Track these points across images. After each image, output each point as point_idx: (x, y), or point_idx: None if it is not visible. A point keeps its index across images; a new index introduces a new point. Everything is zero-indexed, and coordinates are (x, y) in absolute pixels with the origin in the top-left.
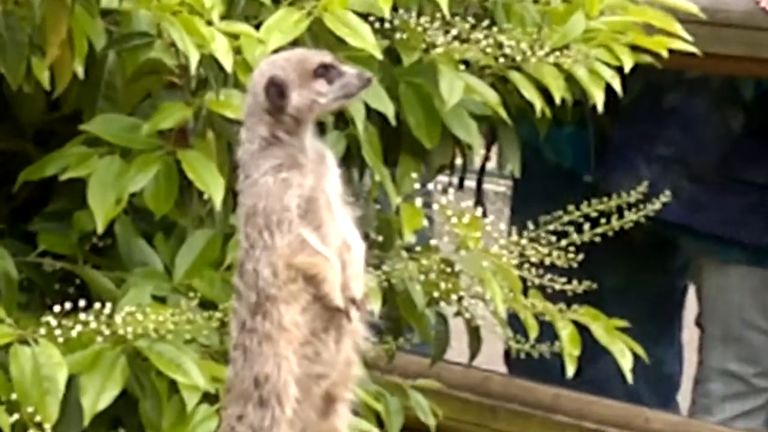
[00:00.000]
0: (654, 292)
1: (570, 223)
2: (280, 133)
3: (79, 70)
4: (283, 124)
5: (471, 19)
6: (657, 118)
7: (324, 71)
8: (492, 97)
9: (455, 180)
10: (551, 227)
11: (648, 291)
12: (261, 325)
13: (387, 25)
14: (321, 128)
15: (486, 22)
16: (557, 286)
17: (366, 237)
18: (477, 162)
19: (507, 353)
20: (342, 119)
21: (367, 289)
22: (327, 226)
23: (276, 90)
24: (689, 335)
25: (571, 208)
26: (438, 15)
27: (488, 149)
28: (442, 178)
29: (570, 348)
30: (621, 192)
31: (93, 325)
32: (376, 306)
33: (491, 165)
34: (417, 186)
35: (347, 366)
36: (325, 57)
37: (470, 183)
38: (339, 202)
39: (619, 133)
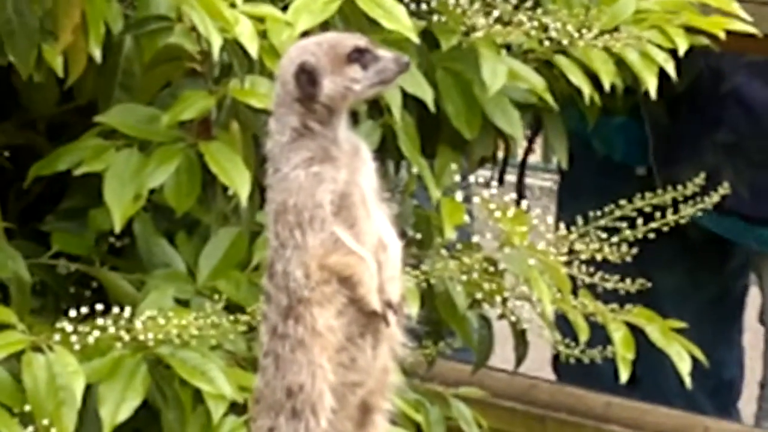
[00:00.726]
0: (712, 292)
1: (622, 218)
2: (312, 123)
3: (96, 54)
4: (315, 113)
5: (513, 1)
6: (718, 104)
7: (358, 56)
8: (537, 82)
9: (496, 174)
10: (602, 223)
11: (706, 291)
12: (293, 330)
13: (423, 7)
14: (354, 118)
15: (530, 3)
16: (609, 285)
17: (403, 235)
18: (520, 155)
19: (555, 359)
20: (376, 108)
21: (404, 291)
22: (362, 223)
23: (307, 77)
24: (751, 338)
25: (623, 202)
26: None
27: (531, 141)
28: (483, 172)
29: (623, 351)
30: (682, 184)
31: (111, 330)
32: (414, 309)
33: (535, 158)
34: (457, 179)
35: (384, 373)
36: (359, 40)
37: (511, 177)
38: (374, 197)
39: (682, 120)
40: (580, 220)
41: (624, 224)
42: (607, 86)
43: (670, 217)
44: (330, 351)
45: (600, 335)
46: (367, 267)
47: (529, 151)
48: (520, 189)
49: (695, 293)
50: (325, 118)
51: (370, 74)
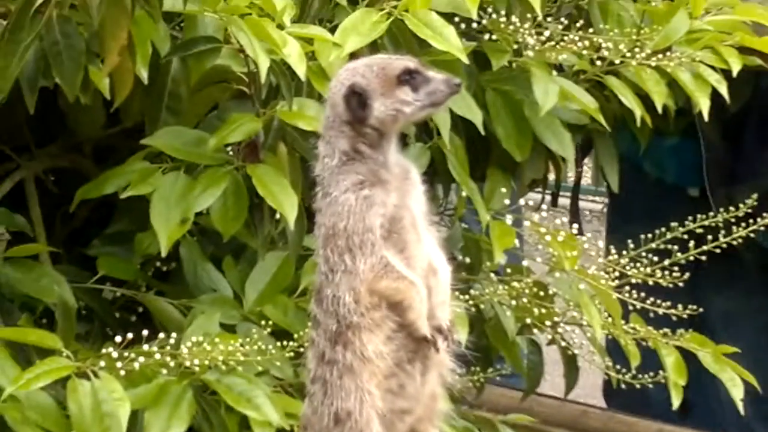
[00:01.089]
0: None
1: (674, 240)
2: (362, 146)
3: (143, 75)
4: (365, 136)
5: (564, 20)
6: None
7: (408, 78)
8: (589, 102)
9: (547, 197)
10: (652, 246)
11: (762, 315)
12: (342, 356)
13: (474, 26)
14: (403, 140)
15: (581, 23)
16: (660, 311)
17: (452, 258)
18: (570, 177)
19: (605, 385)
20: (426, 130)
21: (454, 316)
22: (412, 248)
23: (357, 99)
24: None
25: (674, 224)
26: (529, 15)
27: (581, 163)
28: (533, 195)
29: (675, 377)
30: (737, 205)
31: (157, 356)
32: (463, 334)
33: (585, 180)
34: (507, 202)
35: (433, 400)
36: (410, 62)
37: (563, 200)
38: (424, 221)
39: (737, 141)
40: (631, 244)
41: (676, 247)
42: (659, 107)
43: (723, 239)
44: (379, 377)
45: (651, 361)
46: (418, 292)
47: (581, 173)
48: (573, 212)
49: (750, 317)
50: (375, 141)
51: (420, 96)
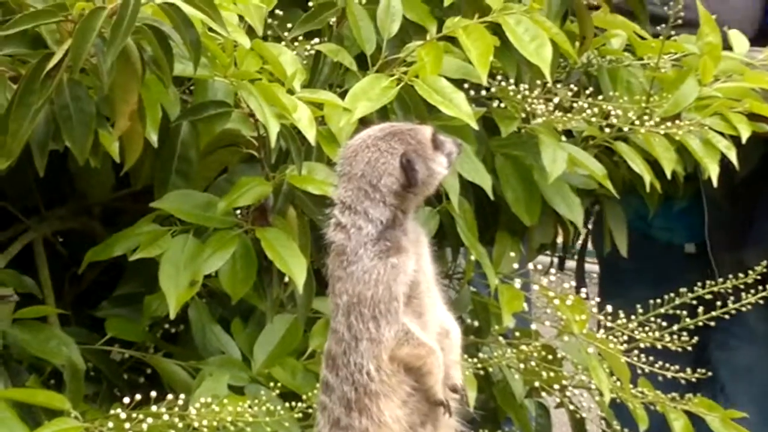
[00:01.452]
0: None
1: (681, 305)
2: (400, 215)
3: (153, 139)
4: (408, 202)
5: (574, 86)
6: None
7: (437, 142)
8: (598, 169)
9: (555, 260)
10: (661, 311)
11: None
12: (357, 422)
13: (483, 93)
14: None
15: (590, 90)
16: (669, 374)
17: (460, 321)
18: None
19: None
20: (434, 194)
21: (463, 377)
22: (428, 312)
23: (409, 166)
24: None
25: (683, 290)
26: (538, 82)
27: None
28: (541, 258)
29: None
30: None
31: (165, 417)
32: (471, 396)
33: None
34: (515, 266)
35: None
36: (429, 127)
37: (570, 263)
38: (434, 283)
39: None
40: (640, 309)
41: (685, 312)
42: (668, 174)
43: (732, 305)
44: None
45: (656, 424)
46: (437, 358)
47: (588, 237)
48: (580, 276)
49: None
50: (409, 209)
51: (444, 160)
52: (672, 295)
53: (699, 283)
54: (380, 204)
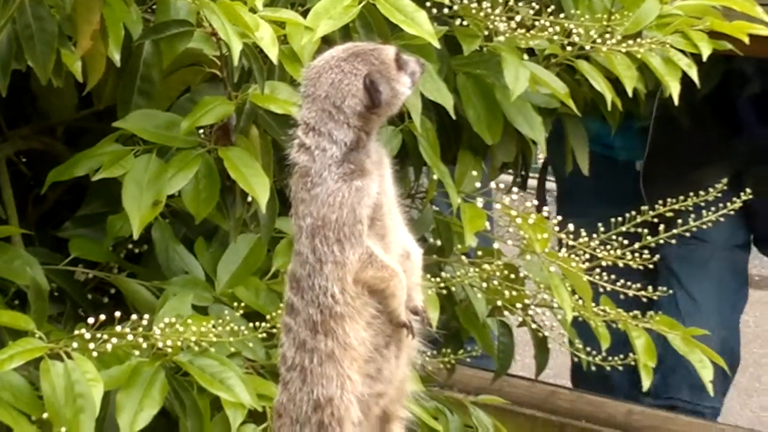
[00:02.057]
0: None
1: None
2: (364, 136)
3: (116, 58)
4: (368, 125)
5: (535, 5)
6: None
7: (401, 62)
8: (560, 87)
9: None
10: (622, 229)
11: None
12: (323, 344)
13: (445, 11)
14: None
15: (552, 8)
16: (630, 293)
17: (422, 241)
18: (540, 158)
19: (574, 370)
20: (396, 114)
21: (425, 297)
22: (391, 234)
23: (372, 87)
24: None
25: (644, 208)
26: (500, 0)
27: None
28: (504, 177)
29: (645, 359)
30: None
31: (130, 337)
32: (434, 316)
33: None
34: (478, 185)
35: (403, 382)
36: (392, 47)
37: (532, 182)
38: (396, 205)
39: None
40: (601, 227)
41: (646, 230)
42: (630, 91)
43: (693, 223)
44: (359, 362)
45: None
46: (400, 280)
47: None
48: (541, 195)
49: None
50: (372, 130)
51: (408, 80)
52: (634, 213)
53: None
54: (344, 125)
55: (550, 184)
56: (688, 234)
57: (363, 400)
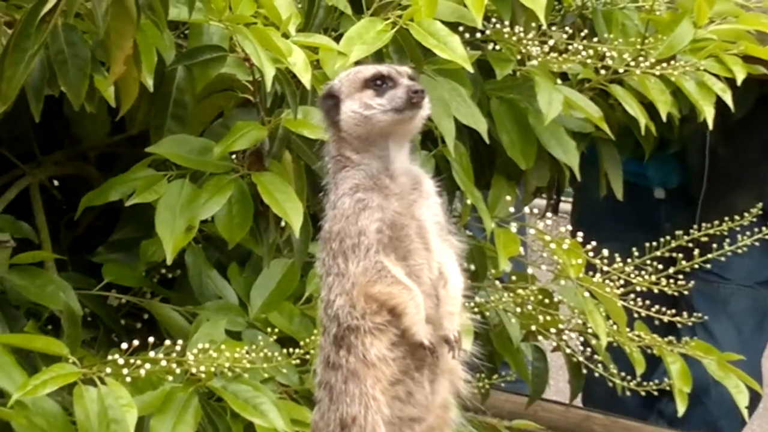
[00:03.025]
0: None
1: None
2: (348, 152)
3: (149, 83)
4: (347, 141)
5: (569, 29)
6: None
7: (376, 83)
8: (594, 111)
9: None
10: (657, 254)
11: None
12: (345, 360)
13: (478, 36)
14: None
15: (585, 32)
16: (665, 318)
17: None
18: None
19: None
20: (430, 138)
21: (461, 326)
22: (417, 256)
23: (332, 102)
24: None
25: (678, 232)
26: (533, 25)
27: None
28: (537, 202)
29: (681, 384)
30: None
31: (163, 363)
32: (468, 342)
33: None
34: (511, 210)
35: (444, 410)
36: (383, 68)
37: (566, 206)
38: (438, 231)
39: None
40: (635, 252)
41: (681, 255)
42: (664, 116)
43: (722, 249)
44: (383, 383)
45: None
46: (412, 298)
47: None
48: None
49: None
50: (359, 147)
51: (383, 101)
52: (668, 238)
53: (695, 227)
54: (331, 140)
55: (565, 205)
56: (709, 265)
57: (393, 422)
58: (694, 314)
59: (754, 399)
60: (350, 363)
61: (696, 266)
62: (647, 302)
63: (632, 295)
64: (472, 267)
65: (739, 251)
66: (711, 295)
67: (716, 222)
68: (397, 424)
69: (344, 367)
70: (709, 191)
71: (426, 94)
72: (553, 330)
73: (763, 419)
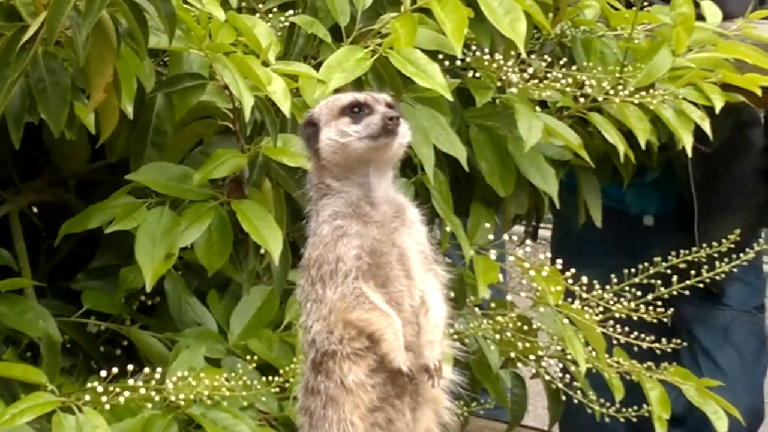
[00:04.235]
0: None
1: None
2: (329, 179)
3: (129, 110)
4: (327, 169)
5: (548, 57)
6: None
7: (353, 110)
8: (573, 138)
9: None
10: (635, 280)
11: None
12: (324, 386)
13: (458, 64)
14: None
15: (564, 60)
16: (644, 345)
17: None
18: None
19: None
20: (409, 166)
21: (443, 355)
22: (397, 283)
23: (312, 130)
24: None
25: (657, 259)
26: (513, 53)
27: None
28: (516, 228)
29: (659, 410)
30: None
31: (142, 390)
32: (448, 370)
33: None
34: (491, 237)
35: None
36: (361, 96)
37: (545, 232)
38: (421, 260)
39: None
40: (614, 278)
41: (659, 282)
42: (643, 144)
43: (707, 273)
44: (362, 409)
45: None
46: (390, 324)
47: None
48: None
49: None
50: (339, 175)
51: (359, 128)
52: (647, 264)
53: (681, 251)
54: (313, 168)
55: (544, 232)
56: (702, 286)
57: None
58: (697, 341)
59: (757, 421)
60: (329, 388)
61: (689, 292)
62: (641, 331)
63: (618, 323)
64: (452, 294)
65: (733, 275)
66: (710, 321)
67: (695, 249)
68: None
69: (323, 393)
70: (701, 217)
71: (403, 122)
72: (532, 357)
73: None
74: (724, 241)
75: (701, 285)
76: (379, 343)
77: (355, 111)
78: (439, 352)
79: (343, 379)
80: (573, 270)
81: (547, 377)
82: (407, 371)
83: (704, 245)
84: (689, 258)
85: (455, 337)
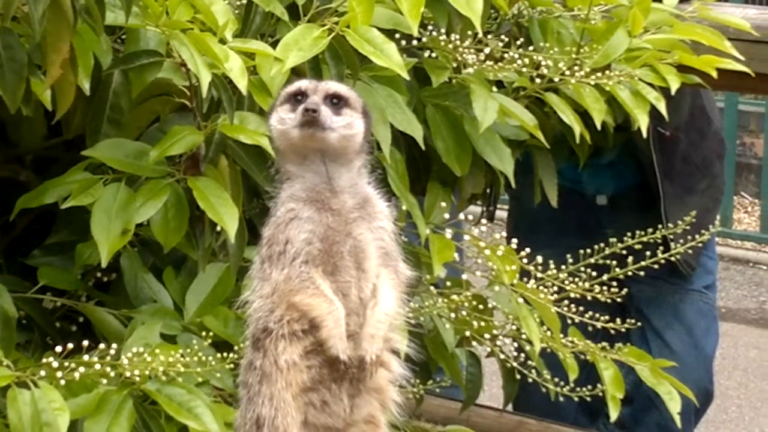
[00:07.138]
0: None
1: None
2: (287, 164)
3: (85, 87)
4: (283, 153)
5: (504, 37)
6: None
7: (297, 97)
8: (529, 120)
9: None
10: (590, 261)
11: None
12: (260, 362)
13: (414, 43)
14: None
15: (521, 41)
16: (599, 324)
17: None
18: None
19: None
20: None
21: (389, 348)
22: (345, 273)
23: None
24: None
25: (613, 239)
26: (469, 33)
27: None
28: (472, 209)
29: (613, 390)
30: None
31: (97, 366)
32: (402, 346)
33: None
34: (446, 216)
35: (372, 426)
36: (305, 83)
37: (501, 213)
38: (379, 254)
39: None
40: (570, 258)
41: (614, 262)
42: (598, 124)
43: (662, 255)
44: (295, 388)
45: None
46: (331, 312)
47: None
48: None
49: None
50: (294, 160)
51: (294, 116)
52: (602, 245)
53: (637, 231)
54: (275, 152)
55: (500, 212)
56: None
57: (308, 427)
58: (647, 320)
59: (706, 401)
60: (264, 365)
61: (643, 272)
62: (594, 310)
63: (571, 302)
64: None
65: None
66: (660, 301)
67: (650, 230)
68: (313, 430)
69: (259, 368)
70: (668, 200)
71: (354, 114)
72: (487, 336)
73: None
74: (680, 222)
75: (658, 266)
76: (319, 328)
77: (298, 98)
78: (379, 346)
79: (277, 358)
80: (528, 249)
81: (502, 356)
82: (345, 359)
83: (666, 225)
84: (644, 239)
85: (410, 315)
